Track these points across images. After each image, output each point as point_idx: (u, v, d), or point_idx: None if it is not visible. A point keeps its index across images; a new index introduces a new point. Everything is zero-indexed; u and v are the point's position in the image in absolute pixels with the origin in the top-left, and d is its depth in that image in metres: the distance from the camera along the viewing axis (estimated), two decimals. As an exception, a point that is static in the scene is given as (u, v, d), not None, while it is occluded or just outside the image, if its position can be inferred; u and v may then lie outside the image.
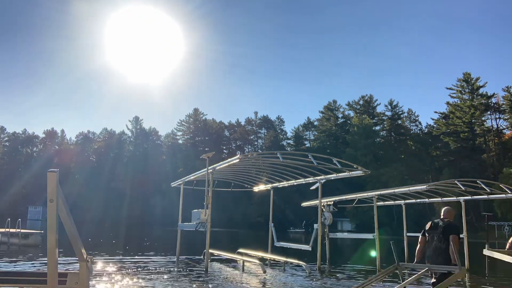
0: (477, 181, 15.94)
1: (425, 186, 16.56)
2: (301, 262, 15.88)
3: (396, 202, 22.81)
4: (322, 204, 17.84)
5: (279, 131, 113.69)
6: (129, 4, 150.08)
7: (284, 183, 18.94)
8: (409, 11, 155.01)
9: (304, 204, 24.22)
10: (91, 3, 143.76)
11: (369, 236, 18.71)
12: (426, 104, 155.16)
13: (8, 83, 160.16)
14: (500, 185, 17.40)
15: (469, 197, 18.44)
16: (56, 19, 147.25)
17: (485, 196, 18.26)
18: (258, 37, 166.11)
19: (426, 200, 21.73)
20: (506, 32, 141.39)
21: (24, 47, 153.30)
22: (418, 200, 21.86)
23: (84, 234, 41.00)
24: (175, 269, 16.65)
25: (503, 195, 17.15)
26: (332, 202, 18.41)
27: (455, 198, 19.83)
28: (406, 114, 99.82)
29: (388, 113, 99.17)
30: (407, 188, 17.54)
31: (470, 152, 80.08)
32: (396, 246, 7.64)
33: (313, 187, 18.17)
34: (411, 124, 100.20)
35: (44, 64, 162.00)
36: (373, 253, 15.00)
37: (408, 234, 21.93)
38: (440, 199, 20.97)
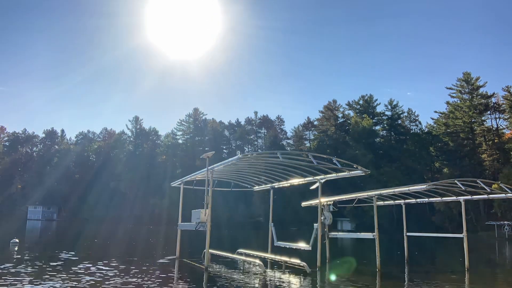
0: (477, 181, 15.95)
1: (425, 186, 16.55)
2: (301, 262, 15.87)
3: (396, 202, 22.81)
4: (322, 203, 17.84)
5: (279, 131, 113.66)
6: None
7: (284, 183, 18.92)
8: (410, 11, 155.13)
9: (304, 204, 24.22)
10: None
11: (368, 235, 18.65)
12: (426, 104, 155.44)
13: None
14: (500, 185, 17.41)
15: (469, 197, 18.46)
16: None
17: (485, 196, 18.28)
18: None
19: (426, 200, 21.73)
20: (506, 32, 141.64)
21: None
22: (418, 200, 21.87)
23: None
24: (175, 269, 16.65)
25: (503, 195, 17.17)
26: (332, 202, 18.41)
27: (455, 197, 19.84)
28: (406, 114, 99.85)
29: (388, 113, 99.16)
30: (407, 188, 17.53)
31: (470, 152, 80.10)
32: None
33: (312, 187, 18.16)
34: (411, 124, 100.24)
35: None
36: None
37: (408, 234, 21.95)
38: (440, 198, 20.99)
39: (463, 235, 18.29)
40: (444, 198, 20.63)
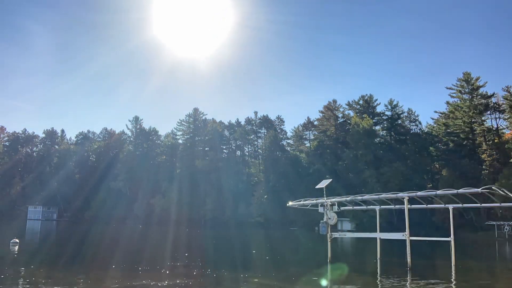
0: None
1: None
2: None
3: (397, 206, 23.05)
4: (326, 204, 17.89)
5: (279, 131, 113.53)
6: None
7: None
8: (410, 11, 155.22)
9: (290, 204, 24.33)
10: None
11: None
12: (426, 104, 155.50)
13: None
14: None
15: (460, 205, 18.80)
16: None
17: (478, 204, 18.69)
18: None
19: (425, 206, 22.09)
20: (505, 32, 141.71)
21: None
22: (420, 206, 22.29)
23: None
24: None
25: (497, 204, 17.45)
26: (336, 203, 18.49)
27: (443, 205, 20.21)
28: (406, 114, 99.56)
29: (388, 113, 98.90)
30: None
31: (470, 152, 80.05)
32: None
33: (318, 186, 18.15)
34: (411, 124, 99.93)
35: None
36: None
37: (411, 238, 22.07)
38: (425, 205, 21.45)
39: (451, 239, 18.85)
40: (431, 206, 21.13)
